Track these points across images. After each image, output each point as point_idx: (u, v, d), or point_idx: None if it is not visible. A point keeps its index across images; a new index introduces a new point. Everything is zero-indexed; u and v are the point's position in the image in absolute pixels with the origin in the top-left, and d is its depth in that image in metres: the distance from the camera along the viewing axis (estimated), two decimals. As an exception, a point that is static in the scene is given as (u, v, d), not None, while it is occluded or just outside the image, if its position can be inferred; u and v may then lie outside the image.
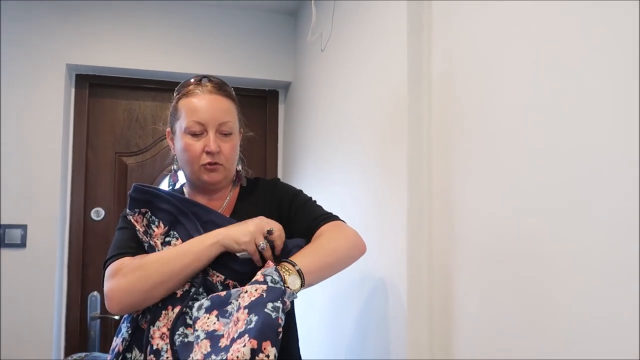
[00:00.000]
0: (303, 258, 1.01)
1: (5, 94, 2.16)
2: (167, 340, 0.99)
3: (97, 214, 2.36)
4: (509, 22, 0.96)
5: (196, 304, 0.97)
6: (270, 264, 0.98)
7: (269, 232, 1.01)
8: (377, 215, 1.38)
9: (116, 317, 2.27)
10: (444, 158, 1.16)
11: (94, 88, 2.40)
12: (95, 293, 2.31)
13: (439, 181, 1.18)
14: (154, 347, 0.99)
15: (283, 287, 0.92)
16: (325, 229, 1.13)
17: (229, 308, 0.92)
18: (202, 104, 1.13)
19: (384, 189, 1.34)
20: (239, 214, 1.18)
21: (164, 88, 2.47)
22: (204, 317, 0.93)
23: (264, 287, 0.91)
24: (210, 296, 0.97)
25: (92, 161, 2.38)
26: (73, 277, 2.28)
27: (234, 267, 1.03)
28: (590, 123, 0.76)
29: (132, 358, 1.04)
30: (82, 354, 1.42)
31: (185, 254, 1.01)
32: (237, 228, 1.02)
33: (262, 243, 0.99)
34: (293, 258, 1.01)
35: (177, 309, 1.00)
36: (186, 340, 0.96)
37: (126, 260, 1.06)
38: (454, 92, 1.13)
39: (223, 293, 0.95)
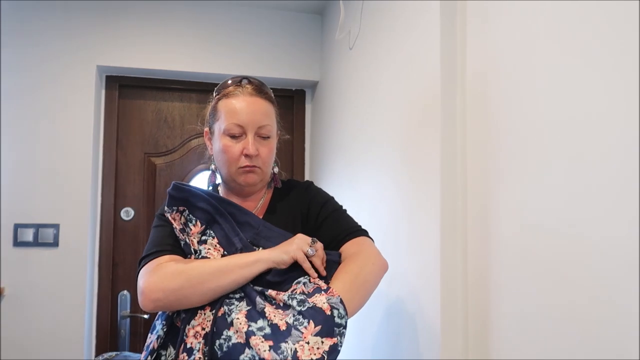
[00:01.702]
0: (346, 293, 0.99)
1: (37, 95, 2.20)
2: (200, 339, 0.99)
3: (127, 213, 2.39)
4: (545, 21, 0.92)
5: (259, 324, 0.96)
6: (333, 291, 0.99)
7: (314, 241, 1.05)
8: (408, 217, 1.35)
9: (146, 316, 2.30)
10: (479, 158, 1.13)
11: (124, 89, 2.43)
12: (125, 292, 2.33)
13: (474, 182, 1.14)
14: (188, 346, 0.99)
15: (340, 349, 0.93)
16: (353, 252, 1.11)
17: (283, 346, 0.91)
18: (242, 106, 1.13)
19: (416, 190, 1.31)
20: (273, 216, 1.19)
21: (192, 89, 2.49)
22: (259, 338, 0.93)
23: (326, 346, 0.91)
24: (271, 323, 0.95)
25: (121, 161, 2.41)
26: (103, 276, 2.31)
27: (266, 277, 1.03)
28: (631, 124, 0.73)
29: (167, 355, 1.05)
30: (113, 353, 1.42)
31: (229, 268, 1.01)
32: (281, 246, 1.06)
33: (310, 249, 1.03)
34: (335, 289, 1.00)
35: (215, 311, 1.01)
36: (230, 343, 0.95)
37: (165, 260, 1.06)
38: (489, 91, 1.10)
39: (283, 327, 0.94)
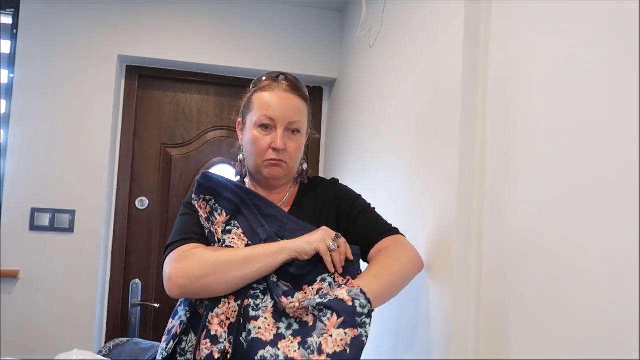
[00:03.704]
0: (372, 281, 1.04)
1: (58, 83, 2.23)
2: (225, 329, 1.01)
3: (142, 203, 2.41)
4: (568, 23, 0.91)
5: (285, 323, 1.01)
6: (353, 283, 1.03)
7: (337, 236, 1.06)
8: (424, 219, 1.34)
9: (156, 305, 2.32)
10: (497, 159, 1.12)
11: (143, 80, 2.45)
12: (137, 280, 2.36)
13: (491, 182, 1.13)
14: (212, 333, 1.01)
15: (365, 340, 0.96)
16: (389, 245, 1.15)
17: (309, 341, 0.95)
18: (275, 100, 1.16)
19: (433, 191, 1.31)
20: (299, 209, 1.21)
21: (211, 82, 2.50)
22: (289, 340, 0.98)
23: (348, 339, 0.94)
24: (299, 320, 1.00)
25: (138, 151, 2.43)
26: (116, 264, 2.34)
27: (289, 269, 1.05)
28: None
29: (188, 341, 1.06)
30: (124, 339, 1.44)
31: (254, 257, 1.03)
32: (304, 237, 1.06)
33: (333, 244, 1.04)
34: (360, 282, 1.03)
35: (240, 302, 1.03)
36: (256, 336, 0.99)
37: (191, 248, 1.08)
38: (510, 93, 1.09)
39: (310, 322, 0.98)
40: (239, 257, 1.03)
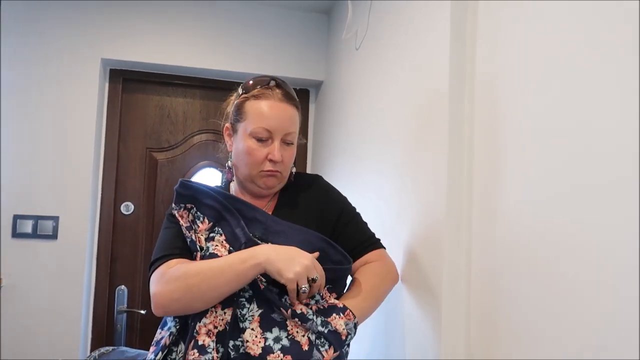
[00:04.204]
0: (361, 305, 1.10)
1: (41, 87, 2.19)
2: (213, 338, 1.00)
3: (127, 208, 2.37)
4: (558, 21, 0.91)
5: (274, 333, 1.01)
6: (338, 303, 1.08)
7: (313, 280, 1.01)
8: (412, 221, 1.34)
9: (142, 312, 2.28)
10: (486, 161, 1.12)
11: (127, 83, 2.42)
12: (123, 287, 2.32)
13: (480, 185, 1.13)
14: (199, 343, 1.00)
15: None
16: (374, 260, 1.21)
17: None
18: (271, 111, 1.13)
19: (422, 194, 1.30)
20: (282, 210, 1.19)
21: (196, 85, 2.48)
22: (277, 355, 0.99)
23: None
24: (292, 338, 1.01)
25: (123, 156, 2.40)
26: (102, 270, 2.30)
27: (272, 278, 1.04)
28: (654, 126, 0.71)
29: (178, 351, 1.05)
30: (109, 348, 1.41)
31: (226, 273, 1.00)
32: (283, 257, 1.00)
33: (305, 287, 1.00)
34: (351, 306, 1.07)
35: (227, 310, 1.02)
36: (245, 351, 0.99)
37: (172, 265, 1.06)
38: (497, 94, 1.09)
39: (305, 345, 1.00)
40: (211, 278, 1.00)
